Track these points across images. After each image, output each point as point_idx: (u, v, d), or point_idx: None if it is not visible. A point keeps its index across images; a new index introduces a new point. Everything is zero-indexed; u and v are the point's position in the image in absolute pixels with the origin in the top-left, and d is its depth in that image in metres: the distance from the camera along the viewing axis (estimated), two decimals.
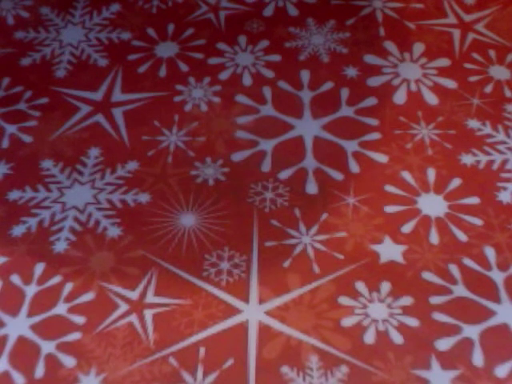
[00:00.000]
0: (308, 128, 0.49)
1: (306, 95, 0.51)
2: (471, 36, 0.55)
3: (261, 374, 0.38)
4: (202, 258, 0.43)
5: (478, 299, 0.41)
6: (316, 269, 0.43)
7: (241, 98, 0.51)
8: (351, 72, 0.53)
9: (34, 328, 0.41)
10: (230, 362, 0.39)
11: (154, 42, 0.56)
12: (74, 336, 0.40)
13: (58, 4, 0.60)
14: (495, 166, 0.48)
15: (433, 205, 0.46)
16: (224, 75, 0.53)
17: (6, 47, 0.56)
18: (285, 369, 0.38)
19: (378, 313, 0.40)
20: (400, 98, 0.52)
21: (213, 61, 0.54)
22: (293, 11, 0.57)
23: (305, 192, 0.47)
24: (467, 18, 0.57)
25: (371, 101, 0.51)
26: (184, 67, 0.54)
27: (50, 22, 0.58)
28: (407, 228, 0.44)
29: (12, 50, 0.56)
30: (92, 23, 0.58)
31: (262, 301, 0.41)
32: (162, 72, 0.54)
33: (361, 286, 0.42)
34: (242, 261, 0.43)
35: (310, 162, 0.48)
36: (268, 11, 0.57)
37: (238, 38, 0.55)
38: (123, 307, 0.41)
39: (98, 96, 0.53)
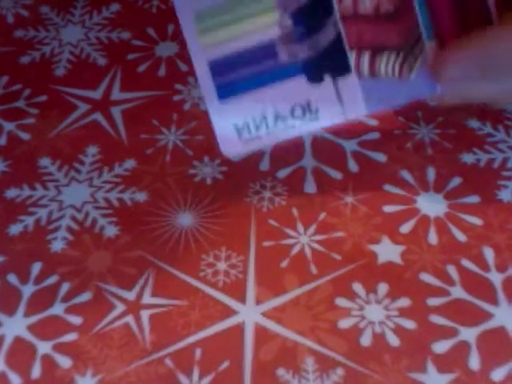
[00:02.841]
0: None
1: None
2: None
3: (257, 376, 0.38)
4: (199, 259, 0.43)
5: (475, 301, 0.40)
6: (313, 269, 0.42)
7: None
8: None
9: (31, 328, 0.41)
10: (225, 364, 0.39)
11: (153, 41, 0.56)
12: (71, 336, 0.40)
13: (57, 3, 0.59)
14: (496, 165, 0.47)
15: (432, 204, 0.45)
16: None
17: (5, 45, 0.56)
18: (281, 371, 0.38)
19: (375, 314, 0.40)
20: None
21: None
22: None
23: (303, 191, 0.46)
24: None
25: None
26: (183, 67, 0.54)
27: (49, 21, 0.58)
28: (406, 228, 0.44)
29: (11, 48, 0.56)
30: (92, 22, 0.58)
31: (258, 302, 0.41)
32: (162, 71, 0.54)
33: (358, 287, 0.41)
34: (239, 261, 0.43)
35: (308, 161, 0.48)
36: None
37: None
38: (120, 308, 0.41)
39: (96, 95, 0.52)
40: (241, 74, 0.40)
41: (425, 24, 0.39)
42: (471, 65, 0.38)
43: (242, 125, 0.41)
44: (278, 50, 0.40)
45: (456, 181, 0.47)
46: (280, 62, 0.40)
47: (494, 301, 0.40)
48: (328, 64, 0.40)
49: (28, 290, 0.42)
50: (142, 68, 0.54)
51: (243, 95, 0.40)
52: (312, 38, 0.39)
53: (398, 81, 0.40)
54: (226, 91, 0.40)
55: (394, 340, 0.39)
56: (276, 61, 0.40)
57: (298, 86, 0.40)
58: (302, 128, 0.41)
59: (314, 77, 0.40)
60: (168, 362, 0.39)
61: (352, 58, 0.39)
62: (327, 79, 0.40)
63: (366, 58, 0.39)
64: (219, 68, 0.40)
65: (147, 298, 0.42)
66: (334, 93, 0.40)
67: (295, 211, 0.45)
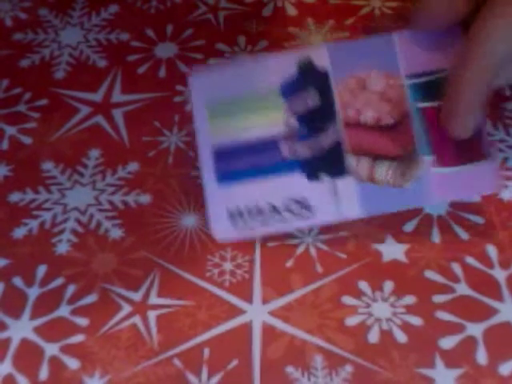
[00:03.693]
0: None
1: None
2: None
3: (266, 374, 0.38)
4: (204, 259, 0.43)
5: (480, 297, 0.41)
6: (319, 268, 0.43)
7: None
8: None
9: (38, 330, 0.41)
10: (234, 363, 0.39)
11: (153, 42, 0.56)
12: (78, 338, 0.40)
13: (56, 5, 0.59)
14: None
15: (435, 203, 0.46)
16: None
17: (4, 49, 0.56)
18: (290, 369, 0.38)
19: (382, 312, 0.40)
20: None
21: (212, 61, 0.54)
22: (292, 11, 0.57)
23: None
24: None
25: None
26: (184, 68, 0.54)
27: (48, 24, 0.58)
28: (409, 227, 0.44)
29: (10, 51, 0.56)
30: (90, 24, 0.58)
31: (265, 301, 0.41)
32: (162, 72, 0.54)
33: (364, 285, 0.42)
34: (244, 261, 0.43)
35: None
36: (267, 11, 0.57)
37: (238, 38, 0.55)
38: (126, 309, 0.41)
39: (97, 97, 0.53)
40: (242, 163, 0.42)
41: (420, 139, 0.41)
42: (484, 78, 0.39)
43: (236, 212, 0.43)
44: (280, 146, 0.42)
45: None
46: (281, 157, 0.42)
47: (499, 297, 0.41)
48: (326, 165, 0.42)
49: (33, 293, 0.42)
50: (142, 69, 0.54)
51: (242, 183, 0.43)
52: (314, 139, 0.42)
53: (394, 188, 0.42)
54: (225, 177, 0.43)
55: (401, 336, 0.39)
56: (277, 156, 0.42)
57: (295, 182, 0.42)
58: (296, 223, 0.43)
59: (312, 175, 0.42)
60: (176, 361, 0.39)
61: (350, 162, 0.42)
62: (325, 179, 0.42)
63: (364, 163, 0.42)
64: (223, 154, 0.43)
65: (154, 299, 0.42)
66: (331, 193, 0.42)
67: None
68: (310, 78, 0.42)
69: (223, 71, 0.44)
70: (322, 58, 0.42)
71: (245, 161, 0.42)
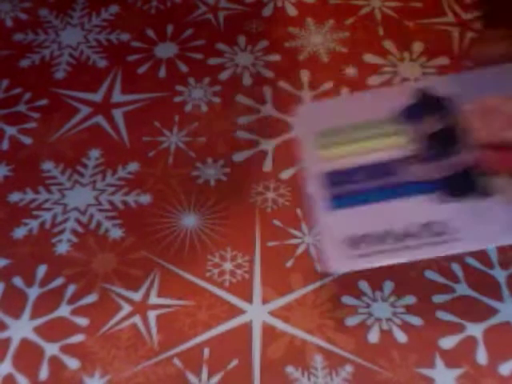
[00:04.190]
0: None
1: (306, 95, 0.51)
2: (470, 34, 0.55)
3: (265, 374, 0.38)
4: (204, 259, 0.43)
5: (480, 297, 0.41)
6: (319, 268, 0.43)
7: (241, 98, 0.51)
8: (351, 71, 0.53)
9: (38, 330, 0.41)
10: (234, 363, 0.39)
11: (153, 42, 0.56)
12: (78, 338, 0.40)
13: (56, 6, 0.59)
14: None
15: None
16: (224, 75, 0.53)
17: (4, 49, 0.56)
18: (290, 369, 0.38)
19: (382, 312, 0.40)
20: None
21: (212, 61, 0.54)
22: (292, 11, 0.57)
23: (306, 192, 0.47)
24: (466, 16, 0.57)
25: None
26: (184, 68, 0.54)
27: (48, 24, 0.58)
28: None
29: (11, 51, 0.56)
30: (91, 25, 0.58)
31: (265, 301, 0.41)
32: (162, 73, 0.54)
33: (364, 285, 0.42)
34: (244, 261, 0.43)
35: None
36: (267, 11, 0.57)
37: (238, 38, 0.55)
38: (126, 308, 0.41)
39: (97, 97, 0.53)
40: (359, 187, 0.40)
41: None
42: None
43: (354, 240, 0.38)
44: (402, 170, 0.39)
45: None
46: (402, 180, 0.39)
47: (498, 297, 0.41)
48: (458, 186, 0.38)
49: (34, 293, 0.42)
50: (142, 69, 0.54)
51: (359, 208, 0.39)
52: (441, 161, 0.39)
53: None
54: (340, 202, 0.39)
55: (401, 336, 0.39)
56: (398, 179, 0.39)
57: (422, 205, 0.38)
58: (425, 250, 0.37)
59: (444, 196, 0.38)
60: (176, 361, 0.39)
61: (493, 183, 0.38)
62: (459, 200, 0.38)
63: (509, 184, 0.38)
64: (337, 180, 0.40)
65: (154, 299, 0.42)
66: (471, 216, 0.37)
67: (299, 211, 0.45)
68: (430, 104, 0.42)
69: (332, 103, 0.44)
70: (444, 86, 0.42)
71: (361, 185, 0.40)
